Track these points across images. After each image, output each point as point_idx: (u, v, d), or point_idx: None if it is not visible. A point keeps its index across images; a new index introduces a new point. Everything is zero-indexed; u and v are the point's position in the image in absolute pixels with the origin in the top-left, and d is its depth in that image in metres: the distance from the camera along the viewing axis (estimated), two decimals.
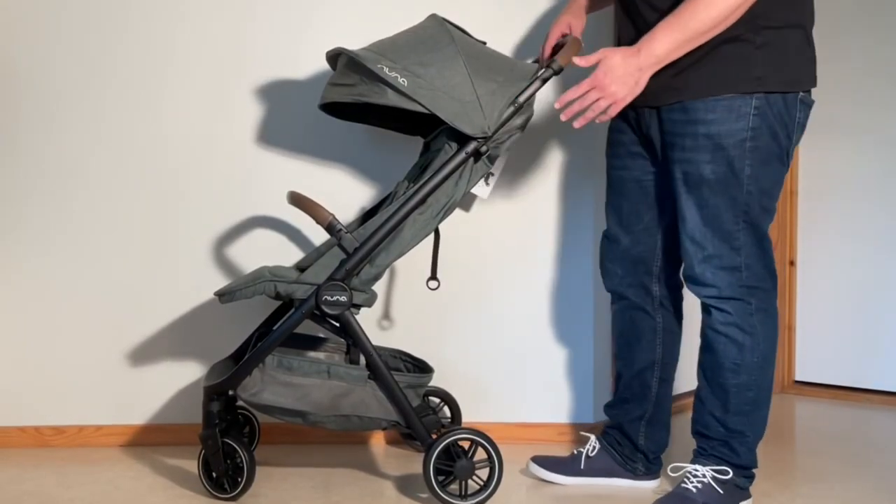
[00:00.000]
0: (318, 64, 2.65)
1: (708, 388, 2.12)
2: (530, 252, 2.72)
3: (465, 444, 2.18)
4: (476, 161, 2.16)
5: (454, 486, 2.18)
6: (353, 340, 2.18)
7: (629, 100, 1.99)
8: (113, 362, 2.69)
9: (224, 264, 2.69)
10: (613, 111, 2.00)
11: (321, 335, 2.50)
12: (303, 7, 2.66)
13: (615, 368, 2.36)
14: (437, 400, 2.63)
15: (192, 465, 2.48)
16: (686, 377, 2.39)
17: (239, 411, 2.54)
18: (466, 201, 2.72)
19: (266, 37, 2.67)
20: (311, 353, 2.45)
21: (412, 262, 2.67)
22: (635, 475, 2.34)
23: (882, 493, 2.29)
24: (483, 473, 2.19)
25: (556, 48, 2.30)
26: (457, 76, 2.10)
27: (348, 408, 2.16)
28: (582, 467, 2.35)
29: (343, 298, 2.13)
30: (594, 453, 2.36)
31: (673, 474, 2.36)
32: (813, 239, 3.35)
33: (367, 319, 2.67)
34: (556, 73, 2.12)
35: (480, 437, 2.18)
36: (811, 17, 2.05)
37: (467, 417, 2.69)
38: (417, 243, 2.18)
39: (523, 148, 2.70)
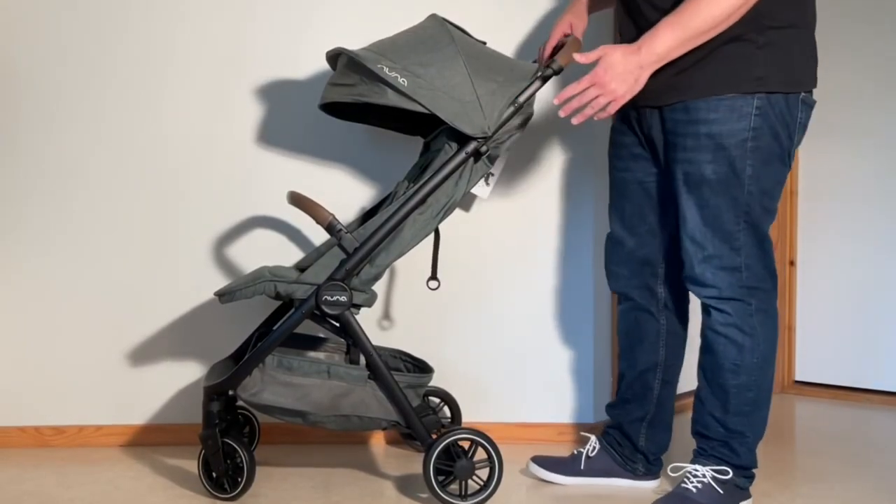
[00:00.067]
0: (318, 64, 2.65)
1: (708, 388, 2.12)
2: (530, 252, 2.72)
3: (465, 444, 2.18)
4: (476, 161, 2.16)
5: (454, 486, 2.18)
6: (353, 340, 2.18)
7: (629, 97, 1.98)
8: (113, 362, 2.69)
9: (224, 264, 2.69)
10: (612, 108, 1.99)
11: (321, 335, 2.50)
12: (303, 7, 2.66)
13: (618, 368, 2.36)
14: (437, 400, 2.63)
15: (192, 465, 2.48)
16: (686, 377, 2.39)
17: (239, 411, 2.54)
18: (466, 201, 2.72)
19: (266, 37, 2.67)
20: (311, 353, 2.45)
21: (412, 262, 2.67)
22: (635, 475, 2.34)
23: (882, 493, 2.29)
24: (483, 473, 2.19)
25: (557, 48, 2.30)
26: (457, 76, 2.10)
27: (348, 408, 2.16)
28: (582, 467, 2.35)
29: (343, 298, 2.13)
30: (594, 453, 2.36)
31: (673, 474, 2.36)
32: (813, 239, 3.35)
33: (367, 319, 2.67)
34: (556, 73, 2.12)
35: (480, 437, 2.18)
36: (813, 17, 2.05)
37: (467, 417, 2.69)
38: (417, 243, 2.18)
39: (523, 148, 2.70)
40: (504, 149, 2.23)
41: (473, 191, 2.39)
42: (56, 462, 2.55)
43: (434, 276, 2.43)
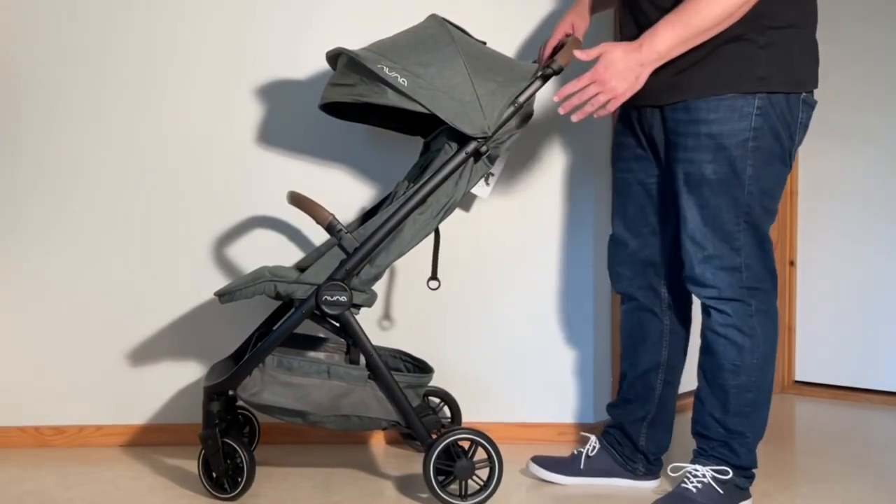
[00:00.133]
0: (318, 64, 2.65)
1: (708, 388, 2.12)
2: (530, 252, 2.72)
3: (465, 444, 2.18)
4: (476, 161, 2.16)
5: (454, 486, 2.18)
6: (353, 340, 2.18)
7: (629, 95, 1.98)
8: (113, 362, 2.69)
9: (224, 264, 2.69)
10: (612, 106, 1.99)
11: (321, 335, 2.50)
12: (303, 7, 2.66)
13: (620, 368, 2.36)
14: (437, 400, 2.63)
15: (192, 465, 2.48)
16: (687, 377, 2.39)
17: (239, 411, 2.54)
18: (466, 201, 2.72)
19: (266, 37, 2.66)
20: (311, 353, 2.45)
21: (412, 262, 2.67)
22: (635, 475, 2.34)
23: (882, 493, 2.29)
24: (483, 473, 2.19)
25: (557, 48, 2.30)
26: (457, 76, 2.10)
27: (348, 408, 2.16)
28: (582, 467, 2.35)
29: (343, 298, 2.13)
30: (594, 453, 2.36)
31: (673, 474, 2.36)
32: (813, 239, 3.35)
33: (367, 319, 2.67)
34: (556, 72, 2.12)
35: (480, 437, 2.18)
36: (814, 17, 2.04)
37: (467, 417, 2.69)
38: (417, 243, 2.18)
39: (523, 147, 2.70)
40: (504, 149, 2.23)
41: (473, 191, 2.39)
42: (56, 462, 2.55)
43: (434, 276, 2.43)
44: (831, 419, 3.02)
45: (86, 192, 2.66)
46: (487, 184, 2.43)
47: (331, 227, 2.13)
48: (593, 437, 2.38)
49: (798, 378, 3.41)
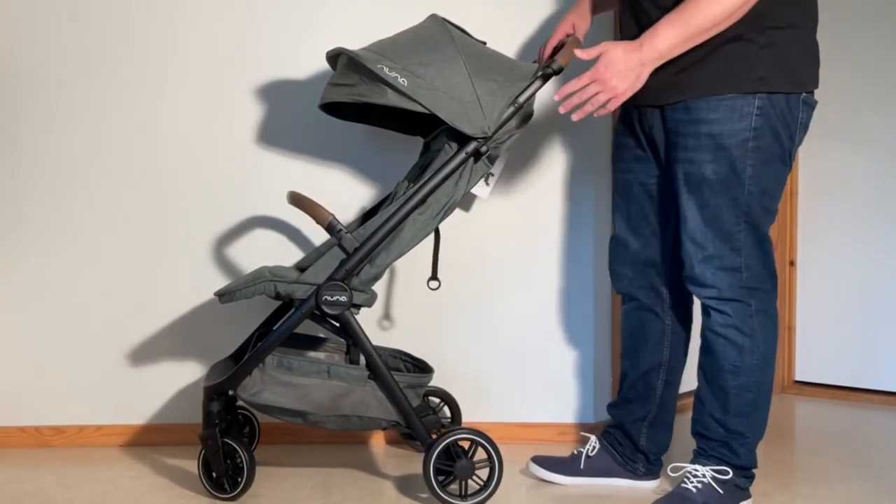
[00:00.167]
0: (318, 64, 2.65)
1: (708, 389, 2.12)
2: (530, 252, 2.72)
3: (465, 444, 2.18)
4: (476, 161, 2.16)
5: (454, 486, 2.18)
6: (353, 340, 2.18)
7: (629, 94, 1.98)
8: (113, 362, 2.69)
9: (224, 264, 2.69)
10: (613, 105, 1.99)
11: (321, 335, 2.50)
12: (303, 7, 2.66)
13: (621, 368, 2.36)
14: (437, 400, 2.63)
15: (192, 465, 2.48)
16: (687, 377, 2.39)
17: (239, 411, 2.54)
18: (466, 201, 2.72)
19: (266, 37, 2.66)
20: (311, 353, 2.45)
21: (412, 262, 2.67)
22: (635, 475, 2.34)
23: (882, 493, 2.29)
24: (483, 473, 2.19)
25: (557, 48, 2.30)
26: (457, 76, 2.10)
27: (348, 408, 2.16)
28: (582, 467, 2.35)
29: (343, 298, 2.13)
30: (594, 453, 2.36)
31: (673, 474, 2.36)
32: (813, 239, 3.35)
33: (367, 319, 2.67)
34: (556, 73, 2.12)
35: (480, 437, 2.18)
36: (815, 17, 2.04)
37: (467, 417, 2.69)
38: (417, 243, 2.18)
39: (523, 147, 2.70)
40: (504, 149, 2.23)
41: (473, 191, 2.39)
42: (56, 462, 2.55)
43: (434, 276, 2.44)
44: (831, 419, 3.02)
45: (86, 192, 2.66)
46: (487, 184, 2.43)
47: (331, 227, 2.13)
48: (593, 437, 2.38)
49: (798, 378, 3.41)
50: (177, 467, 2.49)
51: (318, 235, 2.67)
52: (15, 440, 2.67)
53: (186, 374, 2.70)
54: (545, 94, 2.65)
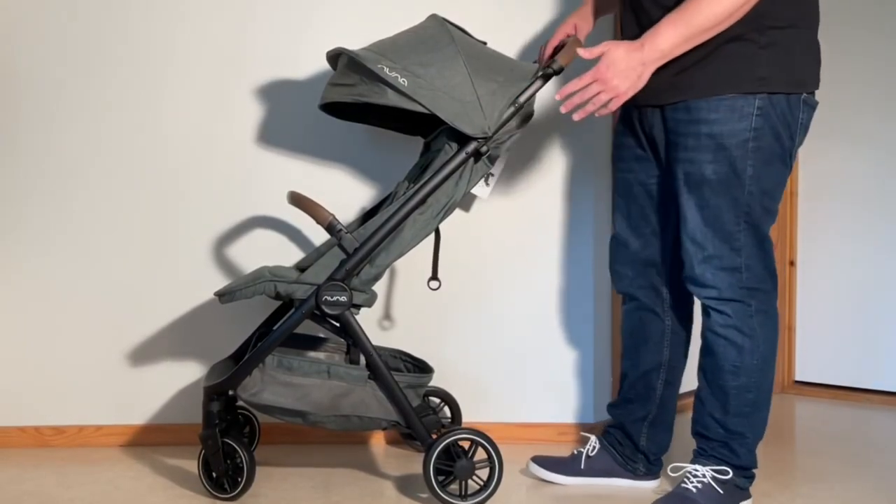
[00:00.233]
0: (318, 64, 2.65)
1: (708, 389, 2.12)
2: (530, 252, 2.72)
3: (465, 444, 2.18)
4: (476, 161, 2.16)
5: (454, 486, 2.18)
6: (353, 340, 2.18)
7: (631, 94, 1.98)
8: (113, 362, 2.68)
9: (224, 264, 2.69)
10: (614, 105, 1.98)
11: (321, 335, 2.50)
12: (303, 7, 2.66)
13: (621, 368, 2.36)
14: (437, 400, 2.63)
15: (192, 465, 2.48)
16: (687, 377, 2.39)
17: (239, 411, 2.54)
18: (466, 201, 2.72)
19: (266, 37, 2.66)
20: (311, 353, 2.45)
21: (412, 262, 2.67)
22: (635, 475, 2.34)
23: (882, 493, 2.29)
24: (483, 473, 2.19)
25: (558, 49, 2.30)
26: (457, 76, 2.10)
27: (348, 408, 2.16)
28: (582, 467, 2.35)
29: (343, 298, 2.13)
30: (594, 453, 2.36)
31: (673, 474, 2.36)
32: (813, 239, 3.35)
33: (367, 319, 2.67)
34: (556, 73, 2.11)
35: (480, 437, 2.18)
36: (816, 17, 2.04)
37: (467, 417, 2.69)
38: (418, 243, 2.18)
39: (523, 148, 2.70)
40: (504, 149, 2.23)
41: (473, 191, 2.39)
42: (56, 462, 2.55)
43: (435, 277, 2.44)
44: (831, 419, 3.02)
45: (86, 192, 2.66)
46: (487, 184, 2.43)
47: (331, 227, 2.13)
48: (593, 437, 2.38)
49: (798, 378, 3.41)
50: (177, 467, 2.49)
51: (318, 235, 2.67)
52: (15, 440, 2.67)
53: (186, 374, 2.70)
54: (545, 95, 2.65)
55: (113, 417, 2.69)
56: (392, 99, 2.09)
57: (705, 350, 2.12)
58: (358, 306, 2.18)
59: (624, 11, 2.14)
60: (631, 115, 2.19)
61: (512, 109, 2.12)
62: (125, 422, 2.69)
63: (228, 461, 2.20)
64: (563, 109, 1.99)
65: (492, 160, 2.19)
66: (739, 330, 2.06)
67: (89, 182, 2.66)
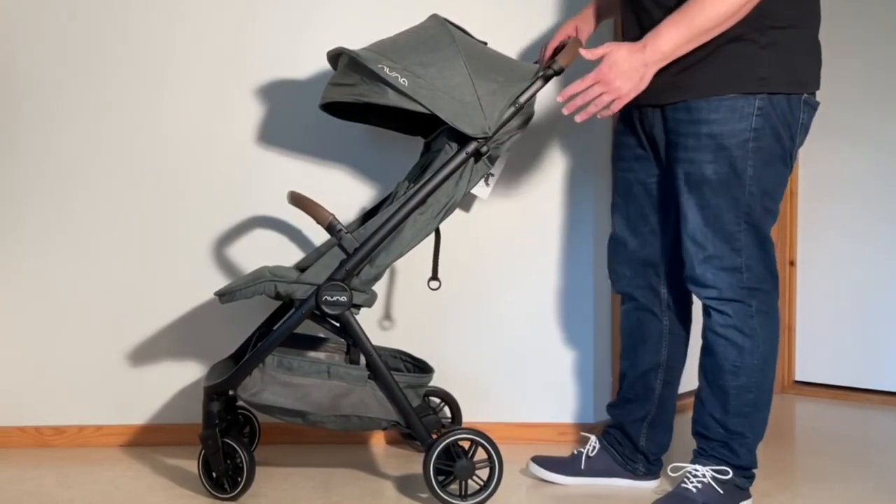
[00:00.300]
0: (318, 64, 2.65)
1: (708, 389, 2.12)
2: (530, 252, 2.72)
3: (465, 444, 2.18)
4: (476, 161, 2.16)
5: (454, 486, 2.18)
6: (353, 340, 2.18)
7: (633, 95, 1.97)
8: (113, 362, 2.69)
9: (224, 264, 2.69)
10: (616, 106, 1.98)
11: (321, 335, 2.50)
12: (303, 7, 2.66)
13: (620, 368, 2.36)
14: (437, 400, 2.63)
15: (192, 465, 2.48)
16: (687, 377, 2.39)
17: (239, 411, 2.54)
18: (466, 201, 2.72)
19: (266, 37, 2.66)
20: (311, 353, 2.45)
21: (412, 263, 2.67)
22: (635, 475, 2.34)
23: (882, 493, 2.29)
24: (483, 473, 2.19)
25: (558, 49, 2.30)
26: (457, 76, 2.10)
27: (348, 408, 2.16)
28: (582, 467, 2.35)
29: (343, 298, 2.13)
30: (594, 453, 2.36)
31: (673, 474, 2.36)
32: (813, 239, 3.35)
33: (367, 319, 2.67)
34: (557, 73, 2.12)
35: (480, 437, 2.18)
36: (817, 17, 2.04)
37: (467, 417, 2.69)
38: (418, 243, 2.18)
39: (523, 148, 2.70)
40: (504, 149, 2.23)
41: (473, 191, 2.39)
42: (56, 462, 2.55)
43: (435, 277, 2.44)
44: (831, 419, 3.02)
45: (86, 192, 2.66)
46: (487, 184, 2.43)
47: (331, 227, 2.13)
48: (593, 437, 2.38)
49: (798, 378, 3.41)
50: (177, 467, 2.49)
51: (318, 235, 2.67)
52: (15, 440, 2.67)
53: (186, 374, 2.70)
54: (545, 95, 2.65)
55: (113, 417, 2.69)
56: (392, 99, 2.09)
57: (706, 350, 2.12)
58: (358, 306, 2.18)
59: (625, 12, 2.14)
60: (631, 115, 2.19)
61: (512, 110, 2.12)
62: (125, 422, 2.69)
63: (228, 461, 2.20)
64: (565, 111, 1.99)
65: (492, 160, 2.19)
66: (740, 330, 2.06)
67: (89, 182, 2.66)
